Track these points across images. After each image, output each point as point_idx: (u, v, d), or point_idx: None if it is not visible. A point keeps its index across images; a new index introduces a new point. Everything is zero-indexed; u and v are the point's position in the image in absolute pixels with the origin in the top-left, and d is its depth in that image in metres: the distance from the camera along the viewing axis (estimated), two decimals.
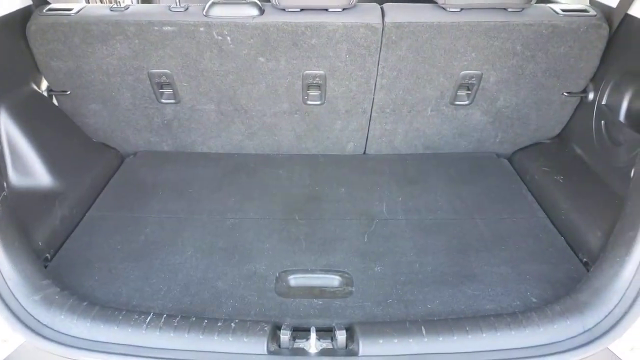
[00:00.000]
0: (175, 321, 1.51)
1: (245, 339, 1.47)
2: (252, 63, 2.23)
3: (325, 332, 1.56)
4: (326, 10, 2.13)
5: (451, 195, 2.34)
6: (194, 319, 1.53)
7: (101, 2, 3.02)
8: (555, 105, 2.44)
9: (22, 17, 2.14)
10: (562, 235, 2.08)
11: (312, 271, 1.89)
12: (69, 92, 2.37)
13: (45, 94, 2.38)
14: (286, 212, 2.23)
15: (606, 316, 1.51)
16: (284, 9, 2.13)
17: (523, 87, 2.35)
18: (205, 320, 1.52)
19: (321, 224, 2.15)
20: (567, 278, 1.84)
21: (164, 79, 2.30)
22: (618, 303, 1.51)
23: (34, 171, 2.11)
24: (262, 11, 2.14)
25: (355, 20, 2.10)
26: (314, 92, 2.37)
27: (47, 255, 1.91)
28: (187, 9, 2.16)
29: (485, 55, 2.21)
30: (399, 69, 2.25)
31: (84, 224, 2.13)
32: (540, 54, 2.20)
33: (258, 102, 2.41)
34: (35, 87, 2.32)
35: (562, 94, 2.38)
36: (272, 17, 2.11)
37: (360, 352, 1.45)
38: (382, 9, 2.17)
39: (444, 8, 2.14)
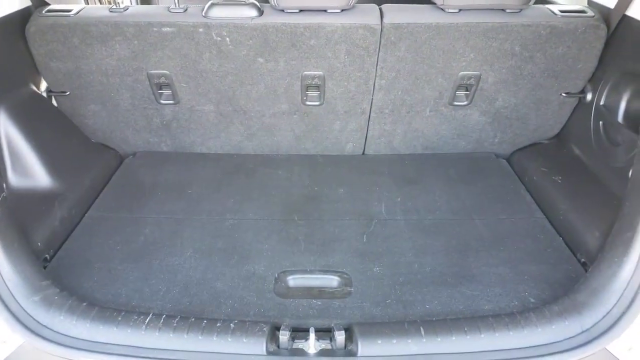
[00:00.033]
0: (175, 322, 1.51)
1: (244, 340, 1.47)
2: (251, 64, 2.23)
3: (324, 332, 1.57)
4: (325, 11, 2.13)
5: (450, 196, 2.35)
6: (193, 319, 1.53)
7: (100, 3, 3.02)
8: (554, 106, 2.44)
9: (22, 18, 2.15)
10: (560, 236, 2.08)
11: (311, 272, 1.90)
12: (68, 93, 2.37)
13: (44, 94, 2.38)
14: (285, 212, 2.23)
15: (604, 316, 1.52)
16: (282, 10, 2.13)
17: (521, 87, 2.35)
18: (205, 321, 1.52)
19: (320, 224, 2.16)
20: (566, 278, 1.85)
21: (163, 79, 2.31)
22: (616, 303, 1.52)
23: (33, 172, 2.12)
24: (261, 12, 2.14)
25: (354, 21, 2.11)
26: (312, 93, 2.37)
27: (47, 256, 1.91)
28: (186, 10, 2.17)
29: (483, 55, 2.22)
30: (397, 69, 2.26)
31: (83, 225, 2.13)
32: (539, 55, 2.21)
33: (257, 102, 2.41)
34: (34, 87, 2.33)
35: (561, 94, 2.38)
36: (271, 18, 2.12)
37: (359, 353, 1.46)
38: (380, 9, 2.18)
39: (442, 9, 2.14)
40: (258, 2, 2.16)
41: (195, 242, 2.03)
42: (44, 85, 2.39)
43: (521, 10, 2.14)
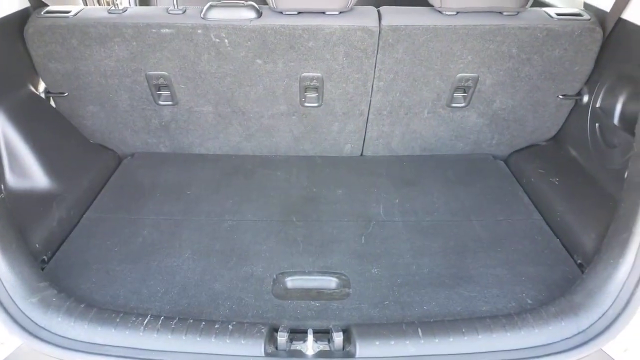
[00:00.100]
0: (173, 323, 1.51)
1: (242, 341, 1.47)
2: (249, 65, 2.24)
3: (323, 333, 1.57)
4: (323, 13, 2.14)
5: (448, 197, 2.36)
6: (191, 321, 1.53)
7: (99, 5, 3.02)
8: (551, 108, 2.46)
9: (20, 19, 2.14)
10: (557, 237, 2.09)
11: (310, 273, 1.90)
12: (66, 94, 2.37)
13: (42, 95, 2.38)
14: (284, 213, 2.24)
15: (600, 318, 1.53)
16: (281, 12, 2.14)
17: (519, 89, 2.36)
18: (203, 322, 1.52)
19: (318, 225, 2.16)
20: (562, 279, 1.86)
21: (161, 80, 2.31)
22: (612, 305, 1.53)
23: (31, 173, 2.11)
24: (259, 14, 2.15)
25: (352, 23, 2.11)
26: (311, 94, 2.38)
27: (44, 257, 1.91)
28: (184, 11, 2.17)
29: (481, 58, 2.23)
30: (395, 71, 2.27)
31: (81, 226, 2.13)
32: (536, 57, 2.22)
33: (255, 104, 2.41)
34: (32, 88, 2.32)
35: (558, 96, 2.39)
36: (269, 20, 2.12)
37: (357, 354, 1.46)
38: (378, 12, 2.19)
39: (440, 11, 2.15)
40: (256, 3, 2.17)
41: (193, 243, 2.04)
42: (42, 86, 2.39)
43: (518, 13, 2.15)
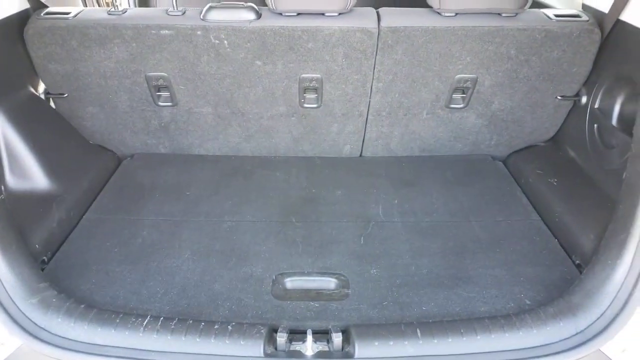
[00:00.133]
0: (173, 324, 1.52)
1: (242, 342, 1.48)
2: (249, 66, 2.24)
3: (322, 334, 1.58)
4: (322, 14, 2.14)
5: (447, 198, 2.36)
6: (191, 321, 1.54)
7: (99, 6, 3.02)
8: (549, 109, 2.46)
9: (20, 20, 2.15)
10: (555, 238, 2.10)
11: (309, 274, 1.91)
12: (66, 95, 2.38)
13: (42, 96, 2.39)
14: (283, 214, 2.24)
15: (598, 318, 1.53)
16: (280, 13, 2.15)
17: (517, 90, 2.37)
18: (202, 323, 1.53)
19: (318, 226, 2.17)
20: (561, 280, 1.87)
21: (161, 82, 2.32)
22: (610, 305, 1.54)
23: (31, 174, 2.12)
24: (259, 15, 2.15)
25: (352, 25, 2.12)
26: (310, 95, 2.38)
27: (44, 258, 1.91)
28: (184, 12, 2.18)
29: (480, 59, 2.24)
30: (394, 72, 2.27)
31: (81, 227, 2.14)
32: (534, 58, 2.23)
33: (255, 105, 2.42)
34: (32, 89, 2.33)
35: (556, 97, 2.40)
36: (268, 21, 2.13)
37: (356, 355, 1.47)
38: (377, 13, 2.19)
39: (439, 13, 2.16)
40: (256, 5, 2.17)
41: (193, 244, 2.04)
42: (42, 87, 2.40)
43: (517, 14, 2.16)
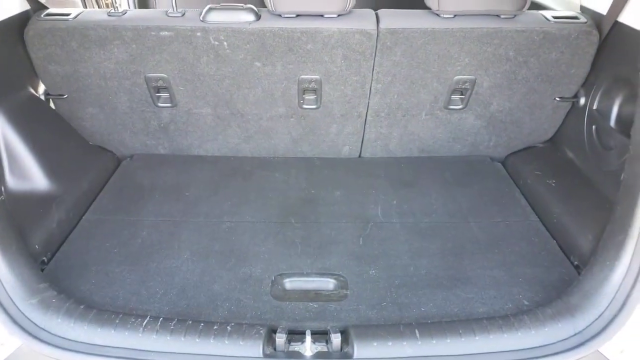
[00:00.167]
0: (172, 324, 1.52)
1: (241, 342, 1.48)
2: (248, 68, 2.25)
3: (321, 335, 1.58)
4: (322, 16, 2.15)
5: (445, 199, 2.37)
6: (190, 322, 1.54)
7: (99, 7, 3.03)
8: (548, 110, 2.47)
9: (20, 22, 2.15)
10: (554, 239, 2.10)
11: (308, 274, 1.91)
12: (66, 96, 2.38)
13: (42, 97, 2.39)
14: (282, 215, 2.25)
15: (596, 319, 1.54)
16: (280, 15, 2.15)
17: (516, 91, 2.38)
18: (202, 324, 1.53)
19: (317, 227, 2.17)
20: (559, 281, 1.87)
21: (160, 83, 2.32)
22: (608, 306, 1.54)
23: (31, 174, 2.12)
24: (258, 17, 2.16)
25: (351, 26, 2.13)
26: (309, 97, 2.39)
27: (44, 258, 1.92)
28: (184, 14, 2.18)
29: (478, 60, 2.24)
30: (393, 74, 2.28)
31: (80, 227, 2.14)
32: (533, 60, 2.24)
33: (254, 106, 2.42)
34: (32, 90, 2.33)
35: (554, 98, 2.41)
36: (268, 23, 2.14)
37: (355, 355, 1.47)
38: (376, 15, 2.20)
39: (437, 14, 2.16)
40: (255, 6, 2.18)
41: (192, 245, 2.05)
42: (42, 88, 2.40)
43: (515, 16, 2.16)
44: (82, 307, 1.58)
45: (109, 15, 2.17)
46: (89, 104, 2.42)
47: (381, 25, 2.14)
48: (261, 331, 1.51)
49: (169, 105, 2.43)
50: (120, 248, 2.02)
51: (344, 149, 2.67)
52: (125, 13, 2.19)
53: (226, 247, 2.04)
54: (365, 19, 2.16)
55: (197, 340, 1.49)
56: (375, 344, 1.49)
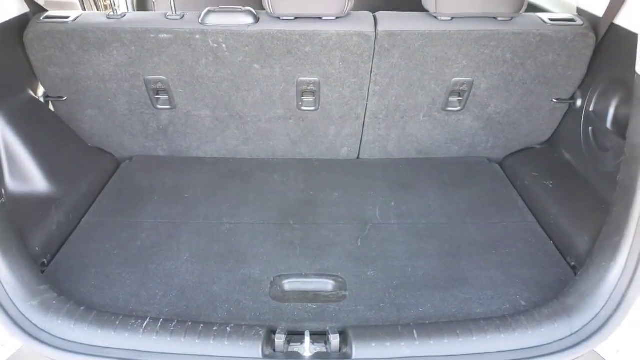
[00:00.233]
0: (172, 325, 1.53)
1: (240, 343, 1.49)
2: (247, 70, 2.26)
3: (319, 335, 1.59)
4: (320, 18, 2.16)
5: (443, 200, 2.38)
6: (190, 323, 1.55)
7: (97, 10, 3.03)
8: (545, 112, 2.49)
9: (20, 24, 2.16)
10: (551, 240, 2.12)
11: (306, 276, 1.92)
12: (65, 98, 2.39)
13: (41, 99, 2.40)
14: (281, 216, 2.26)
15: (592, 319, 1.55)
16: (278, 17, 2.16)
17: (513, 93, 2.39)
18: (201, 325, 1.54)
19: (315, 228, 2.18)
20: (556, 282, 1.88)
21: (159, 85, 2.33)
22: (604, 306, 1.56)
23: (30, 177, 2.13)
24: (257, 19, 2.17)
25: (349, 29, 2.14)
26: (308, 98, 2.40)
27: (44, 260, 1.92)
28: (183, 16, 2.19)
29: (476, 62, 2.26)
30: (391, 76, 2.29)
31: (80, 229, 2.15)
32: (530, 62, 2.25)
33: (253, 108, 2.44)
34: (32, 93, 2.34)
35: (551, 100, 2.42)
36: (266, 25, 2.15)
37: (354, 356, 1.49)
38: (374, 17, 2.21)
39: (435, 17, 2.18)
40: (254, 9, 2.19)
41: (191, 246, 2.05)
42: (41, 90, 2.41)
43: (512, 18, 2.18)
44: (82, 308, 1.59)
45: (108, 18, 2.18)
46: (88, 106, 2.43)
47: (379, 28, 2.15)
48: (260, 332, 1.52)
49: (168, 107, 2.43)
50: (119, 250, 2.03)
51: (342, 151, 2.68)
52: (124, 16, 2.20)
53: (225, 249, 2.05)
54: (363, 22, 2.17)
55: (196, 341, 1.50)
56: (373, 344, 1.50)
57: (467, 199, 2.39)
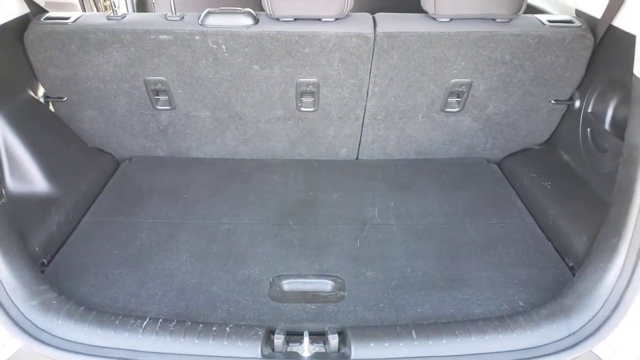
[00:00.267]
0: (171, 326, 1.54)
1: (239, 343, 1.50)
2: (246, 71, 2.27)
3: (318, 336, 1.60)
4: (319, 20, 2.17)
5: (442, 201, 2.39)
6: (189, 323, 1.56)
7: (97, 11, 3.04)
8: (543, 113, 2.49)
9: (20, 25, 2.17)
10: (549, 240, 2.12)
11: (306, 276, 1.93)
12: (65, 99, 2.40)
13: (42, 100, 2.40)
14: (280, 217, 2.26)
15: (590, 320, 1.56)
16: (278, 19, 2.17)
17: (512, 94, 2.40)
18: (201, 325, 1.55)
19: (314, 229, 2.19)
20: (554, 282, 1.89)
21: (159, 86, 2.34)
22: (602, 307, 1.56)
23: (31, 177, 2.14)
24: (256, 20, 2.17)
25: (348, 30, 2.14)
26: (307, 99, 2.41)
27: (44, 260, 1.93)
28: (182, 18, 2.20)
29: (474, 64, 2.26)
30: (390, 77, 2.30)
31: (80, 229, 2.15)
32: (528, 63, 2.26)
33: (252, 108, 2.44)
34: (32, 93, 2.35)
35: (550, 101, 2.43)
36: (266, 27, 2.15)
37: (352, 356, 1.49)
38: (374, 18, 2.22)
39: (434, 18, 2.19)
40: (253, 10, 2.20)
41: (191, 247, 2.06)
42: (41, 91, 2.42)
43: (511, 20, 2.19)
44: (82, 308, 1.60)
45: (108, 19, 2.18)
46: (88, 107, 2.44)
47: (378, 29, 2.16)
48: (259, 332, 1.53)
49: (167, 108, 2.44)
50: (119, 250, 2.03)
51: (341, 151, 2.69)
52: (124, 17, 2.21)
53: (224, 249, 2.05)
54: (362, 23, 2.18)
55: (196, 341, 1.50)
56: (372, 344, 1.51)
57: (466, 200, 2.39)
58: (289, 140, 2.62)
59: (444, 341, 1.52)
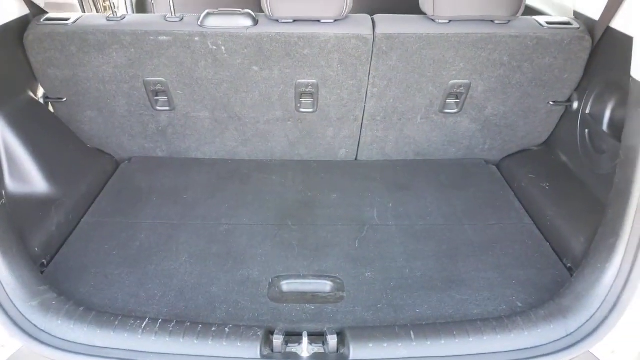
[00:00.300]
0: (171, 326, 1.54)
1: (238, 344, 1.50)
2: (246, 72, 2.27)
3: (317, 336, 1.61)
4: (318, 21, 2.17)
5: (441, 202, 2.40)
6: (188, 323, 1.56)
7: (97, 12, 3.04)
8: (542, 114, 2.50)
9: (20, 26, 2.17)
10: (547, 241, 2.13)
11: (305, 277, 1.93)
12: (65, 100, 2.40)
13: (41, 101, 2.41)
14: (279, 217, 2.27)
15: (588, 320, 1.57)
16: (277, 20, 2.17)
17: (510, 96, 2.41)
18: (200, 325, 1.56)
19: (313, 229, 2.20)
20: (552, 283, 1.90)
21: (159, 87, 2.34)
22: (599, 307, 1.57)
23: (30, 178, 2.14)
24: (256, 22, 2.18)
25: (347, 32, 2.15)
26: (306, 100, 2.41)
27: (44, 261, 1.93)
28: (182, 19, 2.20)
29: (473, 65, 2.27)
30: (389, 78, 2.31)
31: (79, 230, 2.16)
32: (526, 65, 2.27)
33: (252, 109, 2.45)
34: (32, 94, 2.35)
35: (548, 103, 2.44)
36: (265, 28, 2.16)
37: (351, 356, 1.50)
38: (372, 20, 2.22)
39: (433, 20, 2.19)
40: (253, 12, 2.20)
41: (190, 247, 2.07)
42: (41, 91, 2.42)
43: (509, 21, 2.19)
44: (81, 309, 1.60)
45: (108, 20, 2.19)
46: (88, 108, 2.44)
47: (377, 31, 2.16)
48: (259, 333, 1.54)
49: (167, 108, 2.45)
50: (119, 250, 2.04)
51: (340, 152, 2.70)
52: (124, 18, 2.21)
53: (224, 250, 2.06)
54: (361, 24, 2.19)
55: (195, 341, 1.51)
56: (371, 345, 1.51)
57: (465, 201, 2.40)
58: (288, 141, 2.63)
59: (443, 342, 1.53)
